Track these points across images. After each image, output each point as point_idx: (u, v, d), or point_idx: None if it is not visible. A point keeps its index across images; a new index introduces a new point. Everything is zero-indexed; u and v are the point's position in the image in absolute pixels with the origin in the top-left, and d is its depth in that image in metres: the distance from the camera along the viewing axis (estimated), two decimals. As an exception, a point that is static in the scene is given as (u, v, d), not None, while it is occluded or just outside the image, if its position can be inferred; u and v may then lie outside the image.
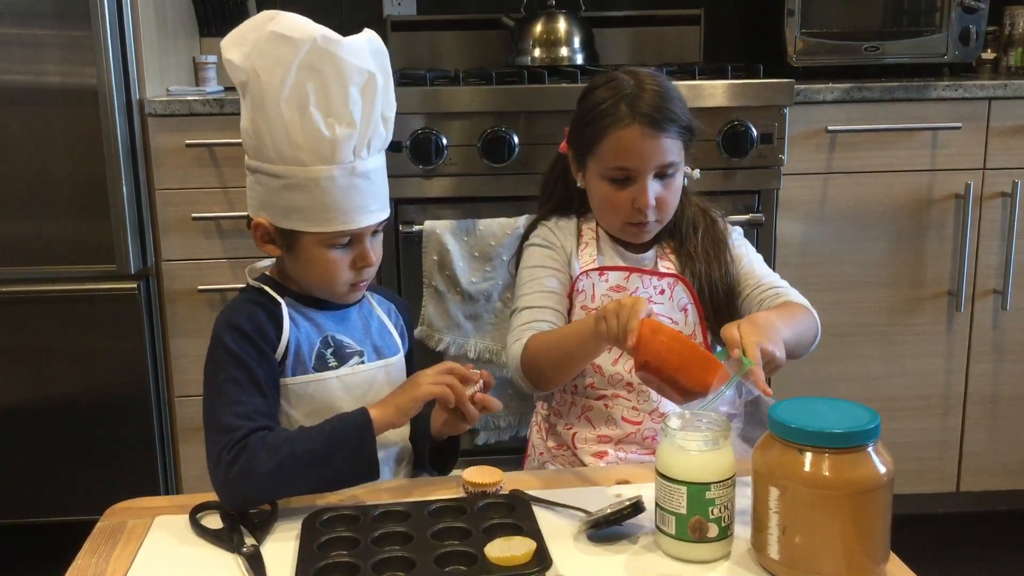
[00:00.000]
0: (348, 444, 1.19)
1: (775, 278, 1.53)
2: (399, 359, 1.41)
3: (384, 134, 1.31)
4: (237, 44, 1.25)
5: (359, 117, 1.25)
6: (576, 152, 1.53)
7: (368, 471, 1.20)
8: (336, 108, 1.24)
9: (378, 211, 1.31)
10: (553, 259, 1.53)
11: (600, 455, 1.48)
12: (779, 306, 1.44)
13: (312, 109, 1.23)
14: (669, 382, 1.17)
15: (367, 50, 1.27)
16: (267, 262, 1.39)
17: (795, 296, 1.48)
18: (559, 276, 1.52)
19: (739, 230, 1.60)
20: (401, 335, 1.44)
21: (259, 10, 2.62)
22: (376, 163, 1.30)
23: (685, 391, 1.16)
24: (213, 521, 1.17)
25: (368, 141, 1.27)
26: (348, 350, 1.35)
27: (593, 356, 1.41)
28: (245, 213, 1.35)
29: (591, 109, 1.47)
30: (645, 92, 1.44)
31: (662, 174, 1.46)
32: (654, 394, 1.47)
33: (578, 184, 1.54)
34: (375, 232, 1.33)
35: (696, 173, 1.59)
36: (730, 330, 1.22)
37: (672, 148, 1.45)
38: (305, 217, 1.26)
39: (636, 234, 1.51)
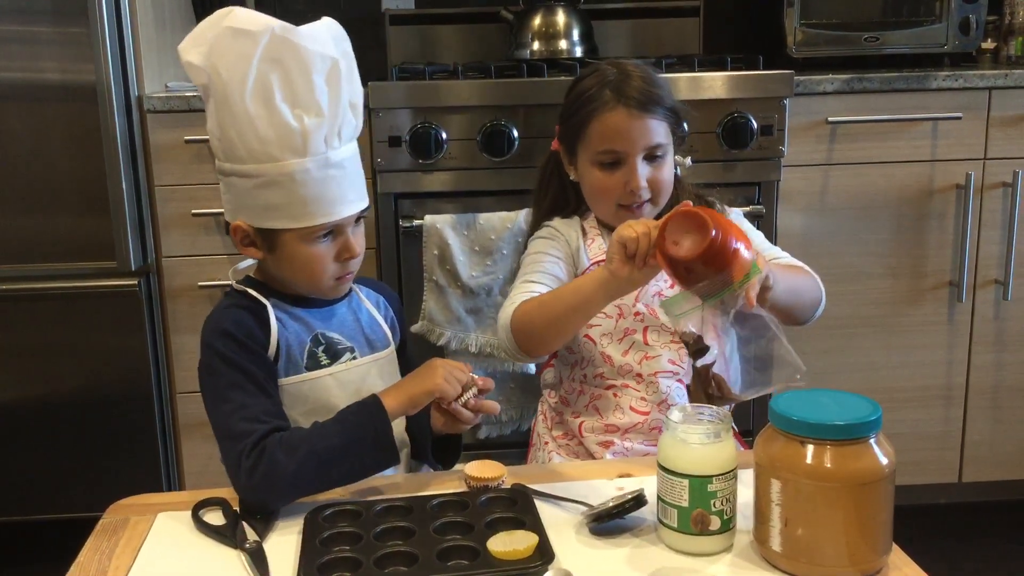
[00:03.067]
0: (366, 435, 1.19)
1: (777, 250, 1.54)
2: (390, 352, 1.40)
3: (354, 122, 1.29)
4: (195, 45, 1.23)
5: (326, 106, 1.23)
6: (566, 144, 1.54)
7: (388, 458, 1.21)
8: (302, 98, 1.22)
9: (356, 200, 1.29)
10: (557, 248, 1.54)
11: (606, 444, 1.49)
12: (783, 265, 1.46)
13: (278, 102, 1.21)
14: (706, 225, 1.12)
15: (327, 36, 1.25)
16: (249, 263, 1.37)
17: (798, 263, 1.50)
18: (562, 265, 1.52)
19: (738, 211, 1.61)
20: (391, 327, 1.43)
21: (256, 5, 2.64)
22: (349, 152, 1.28)
23: (714, 235, 1.12)
24: (215, 517, 1.17)
25: (338, 130, 1.25)
26: (339, 346, 1.34)
27: (594, 308, 1.37)
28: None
29: (576, 98, 1.50)
30: (630, 77, 1.47)
31: (651, 156, 1.47)
32: (663, 384, 1.47)
33: (571, 177, 1.55)
34: (357, 222, 1.31)
35: (688, 161, 1.60)
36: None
37: (659, 129, 1.47)
38: (283, 214, 1.25)
39: (629, 218, 1.49)
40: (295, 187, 1.23)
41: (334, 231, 1.28)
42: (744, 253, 1.14)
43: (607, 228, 1.55)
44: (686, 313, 1.16)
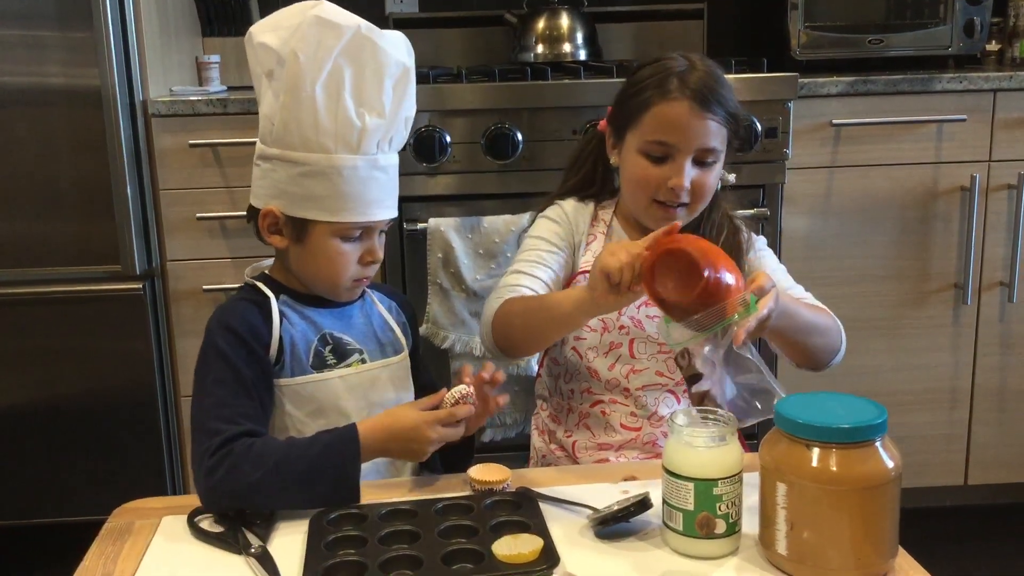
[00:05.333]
0: (332, 471, 1.18)
1: (800, 289, 1.48)
2: (403, 357, 1.40)
3: (404, 134, 1.33)
4: (273, 29, 1.27)
5: (389, 109, 1.27)
6: (616, 126, 1.47)
7: (347, 499, 1.18)
8: (369, 98, 1.26)
9: (391, 208, 1.32)
10: (560, 236, 1.50)
11: (601, 462, 1.47)
12: (804, 304, 1.42)
13: (346, 96, 1.24)
14: (694, 262, 1.12)
15: (403, 46, 1.30)
16: (267, 262, 1.39)
17: (821, 305, 1.45)
18: (560, 255, 1.49)
19: (763, 239, 1.56)
20: (404, 332, 1.43)
21: (261, 10, 2.63)
22: (394, 160, 1.32)
23: (707, 276, 1.12)
24: (213, 524, 1.16)
25: (392, 136, 1.30)
26: (348, 347, 1.35)
27: (573, 326, 1.37)
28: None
29: (639, 82, 1.43)
30: (696, 70, 1.41)
31: (701, 160, 1.41)
32: (651, 399, 1.46)
33: (612, 161, 1.50)
34: (381, 231, 1.34)
35: (732, 178, 1.54)
36: (760, 275, 1.22)
37: (716, 133, 1.40)
38: (322, 206, 1.27)
39: (661, 218, 1.43)
40: (340, 182, 1.26)
41: (363, 233, 1.31)
42: (736, 286, 1.13)
43: (618, 226, 1.51)
44: (682, 342, 1.17)
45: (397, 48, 1.28)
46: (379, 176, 1.29)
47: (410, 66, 1.29)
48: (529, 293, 1.43)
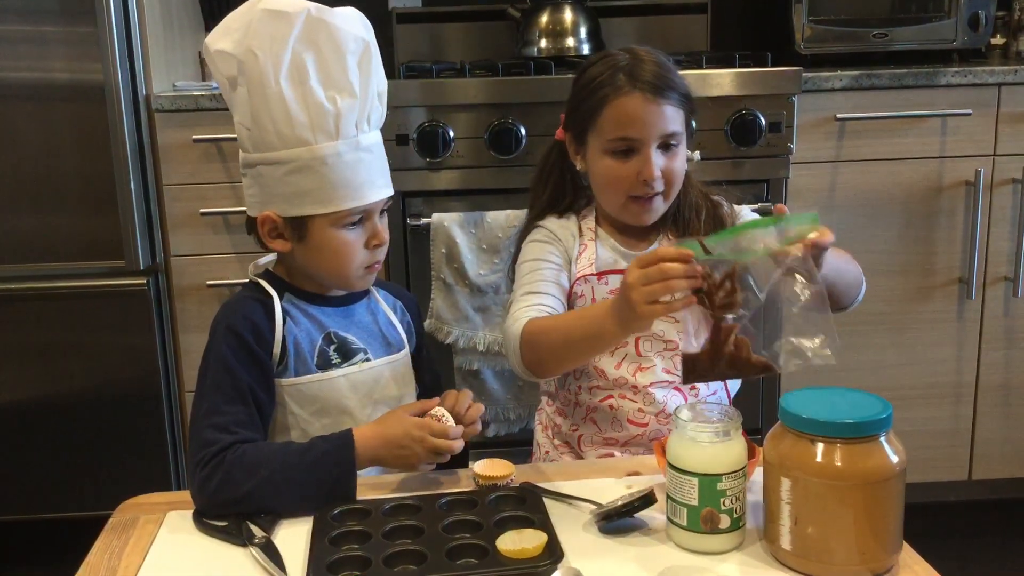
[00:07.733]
0: (327, 480, 1.18)
1: None
2: (405, 355, 1.40)
3: (380, 109, 1.31)
4: (226, 34, 1.26)
5: (359, 88, 1.25)
6: (575, 132, 1.48)
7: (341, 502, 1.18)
8: (336, 79, 1.24)
9: (384, 186, 1.31)
10: (555, 254, 1.49)
11: (607, 456, 1.47)
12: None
13: (313, 83, 1.23)
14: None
15: (358, 21, 1.28)
16: (269, 257, 1.38)
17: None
18: (560, 272, 1.48)
19: (747, 208, 1.55)
20: (407, 331, 1.43)
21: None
22: (376, 138, 1.31)
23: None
24: (217, 518, 1.16)
25: (368, 114, 1.28)
26: (353, 346, 1.34)
27: (600, 348, 1.35)
28: (253, 207, 1.34)
29: (588, 84, 1.44)
30: (643, 62, 1.42)
31: (665, 145, 1.42)
32: (660, 395, 1.45)
33: (578, 167, 1.50)
34: (381, 214, 1.33)
35: (697, 156, 1.55)
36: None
37: (674, 117, 1.42)
38: (315, 199, 1.26)
39: (639, 213, 1.45)
40: (326, 171, 1.25)
41: (363, 217, 1.30)
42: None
43: (603, 233, 1.50)
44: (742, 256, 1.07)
45: (352, 24, 1.26)
46: (364, 157, 1.27)
47: (370, 39, 1.27)
48: (547, 310, 1.41)
